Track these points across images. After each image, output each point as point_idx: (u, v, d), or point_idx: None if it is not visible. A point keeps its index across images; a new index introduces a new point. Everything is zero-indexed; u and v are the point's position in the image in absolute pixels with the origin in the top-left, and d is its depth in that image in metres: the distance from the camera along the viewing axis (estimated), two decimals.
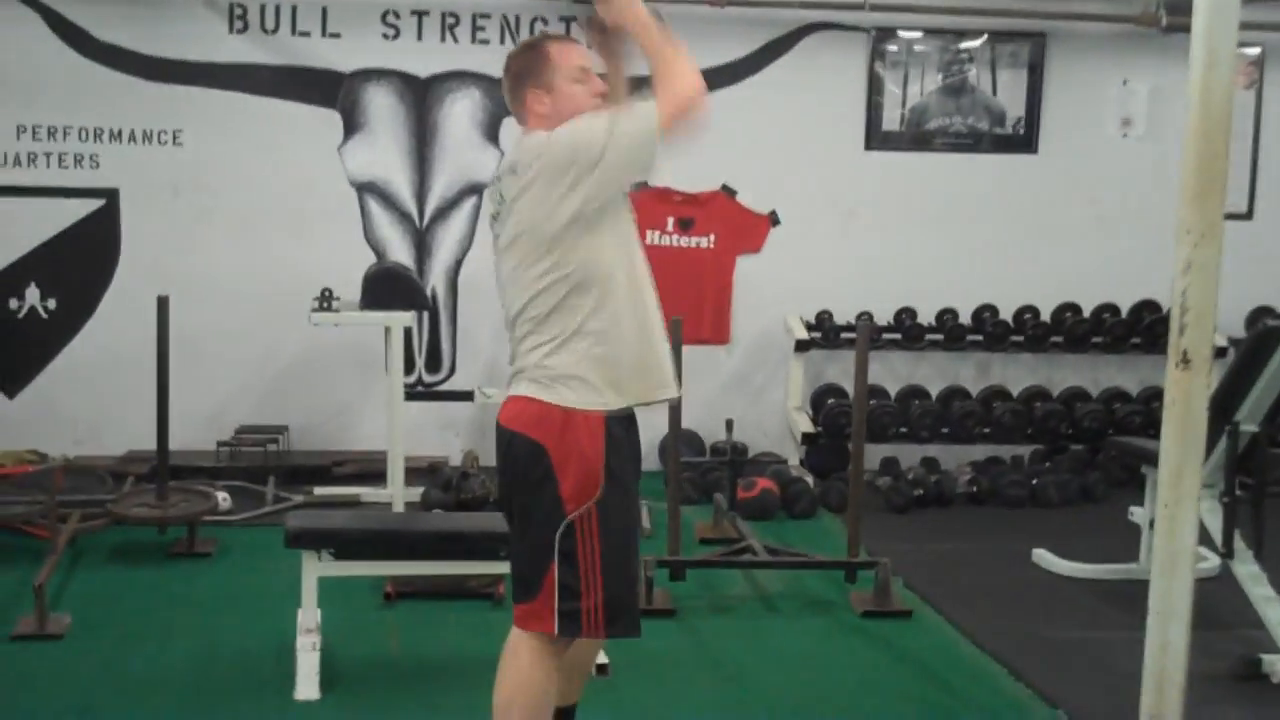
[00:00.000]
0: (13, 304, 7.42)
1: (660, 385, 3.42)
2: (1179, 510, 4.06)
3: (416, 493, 6.70)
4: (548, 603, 3.29)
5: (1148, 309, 7.93)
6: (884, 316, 7.84)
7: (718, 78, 7.63)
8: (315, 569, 4.45)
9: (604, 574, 3.29)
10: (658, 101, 3.25)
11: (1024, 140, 8.06)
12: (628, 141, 3.25)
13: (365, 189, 7.64)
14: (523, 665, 3.36)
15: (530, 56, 3.47)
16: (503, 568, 4.71)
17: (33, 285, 7.46)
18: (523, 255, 3.32)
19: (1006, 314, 7.92)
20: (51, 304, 7.48)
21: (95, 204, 7.47)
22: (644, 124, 3.24)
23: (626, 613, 3.37)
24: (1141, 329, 7.89)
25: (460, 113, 7.67)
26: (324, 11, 7.50)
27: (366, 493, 6.93)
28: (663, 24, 3.34)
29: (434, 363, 7.83)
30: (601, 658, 4.66)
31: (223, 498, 6.51)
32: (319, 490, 7.05)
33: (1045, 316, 7.94)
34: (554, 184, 3.26)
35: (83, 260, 7.49)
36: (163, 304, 6.13)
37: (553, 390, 3.29)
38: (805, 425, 7.60)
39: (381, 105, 7.63)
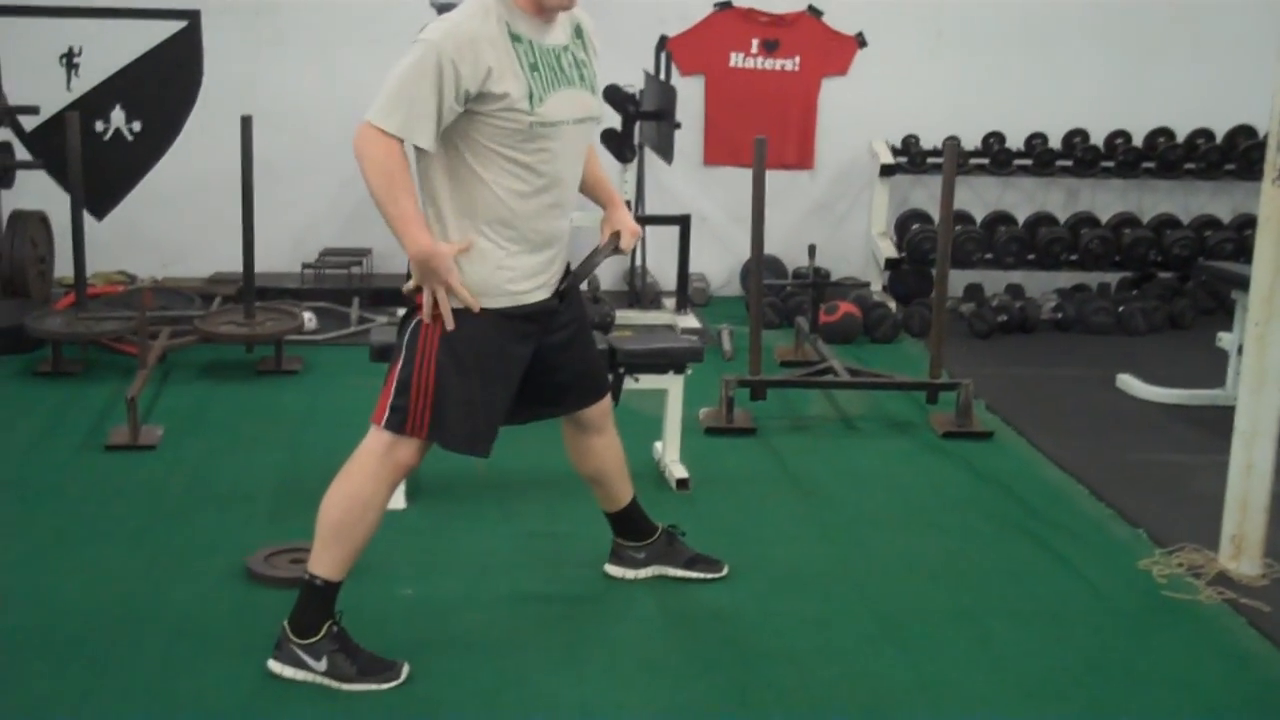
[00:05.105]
0: (98, 126, 7.45)
1: None
2: (1269, 329, 4.01)
3: None
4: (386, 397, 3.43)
5: (1243, 134, 7.71)
6: (972, 141, 7.69)
7: None
8: None
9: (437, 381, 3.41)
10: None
11: None
12: None
13: (446, 9, 7.51)
14: (359, 454, 3.46)
15: None
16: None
17: (118, 108, 7.48)
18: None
19: (1098, 139, 7.75)
20: (137, 126, 7.51)
21: (177, 25, 7.44)
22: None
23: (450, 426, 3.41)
24: (1236, 155, 7.69)
25: None
26: None
27: None
28: None
29: None
30: (681, 472, 4.71)
31: (308, 317, 6.59)
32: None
33: (1137, 142, 7.76)
34: None
35: (166, 82, 7.49)
36: (246, 124, 6.13)
37: None
38: (889, 251, 7.53)
39: None
